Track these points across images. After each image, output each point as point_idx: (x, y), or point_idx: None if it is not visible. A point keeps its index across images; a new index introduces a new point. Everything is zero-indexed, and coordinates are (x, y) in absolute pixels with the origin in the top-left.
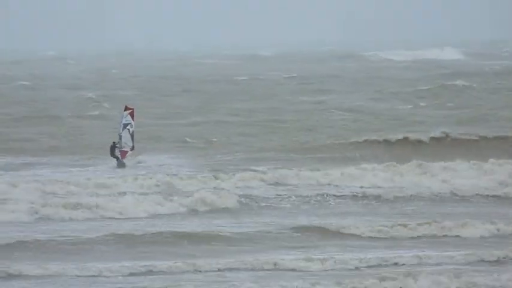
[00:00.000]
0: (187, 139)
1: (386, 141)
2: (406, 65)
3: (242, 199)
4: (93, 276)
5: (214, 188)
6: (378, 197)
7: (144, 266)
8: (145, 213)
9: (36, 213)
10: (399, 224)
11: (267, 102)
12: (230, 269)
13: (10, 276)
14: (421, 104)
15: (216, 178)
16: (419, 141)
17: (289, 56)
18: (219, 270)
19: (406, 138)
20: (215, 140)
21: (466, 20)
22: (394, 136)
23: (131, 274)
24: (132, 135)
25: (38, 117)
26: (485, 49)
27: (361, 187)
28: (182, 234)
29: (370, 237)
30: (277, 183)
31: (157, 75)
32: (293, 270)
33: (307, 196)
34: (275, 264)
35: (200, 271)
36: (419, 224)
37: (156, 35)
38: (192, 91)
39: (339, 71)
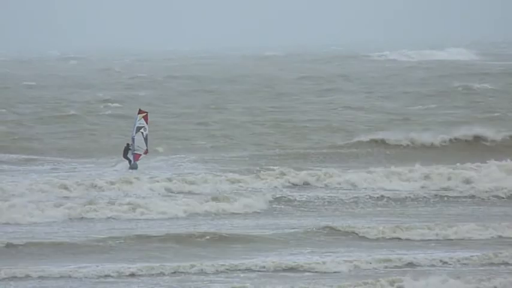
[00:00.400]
0: (201, 139)
1: (409, 143)
2: (414, 66)
3: (263, 199)
4: (130, 275)
5: (236, 188)
6: (396, 199)
7: (165, 266)
8: (166, 214)
9: (55, 213)
10: (417, 226)
11: (279, 101)
12: (247, 270)
13: (19, 278)
14: (432, 105)
15: (234, 179)
16: (435, 143)
17: (295, 56)
18: (237, 270)
19: (425, 140)
20: (230, 139)
21: (467, 20)
22: (416, 137)
23: (154, 275)
24: (145, 139)
25: (50, 117)
26: (490, 49)
27: (379, 188)
28: (200, 234)
29: (390, 239)
30: (295, 184)
31: (164, 75)
32: (312, 271)
33: (326, 197)
34: (294, 265)
35: (222, 271)
36: (437, 225)
37: (158, 36)
38: (202, 91)
39: (347, 71)
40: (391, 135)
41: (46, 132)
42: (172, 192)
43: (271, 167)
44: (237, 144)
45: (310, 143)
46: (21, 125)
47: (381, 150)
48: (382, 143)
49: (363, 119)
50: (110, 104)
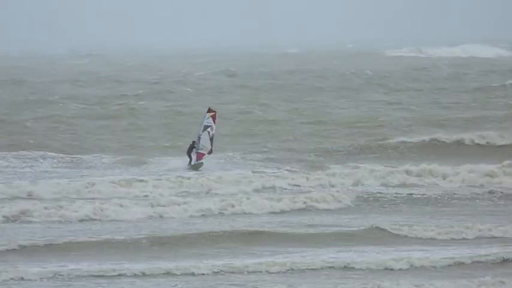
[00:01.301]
0: (246, 135)
1: (457, 142)
2: (436, 62)
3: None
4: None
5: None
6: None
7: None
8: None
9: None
10: (465, 226)
11: (315, 96)
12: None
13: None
14: (466, 101)
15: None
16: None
17: (310, 53)
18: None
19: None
20: (274, 135)
21: (467, 20)
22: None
23: (215, 273)
24: (211, 139)
25: (90, 114)
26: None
27: (426, 185)
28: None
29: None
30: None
31: (188, 72)
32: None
33: (377, 195)
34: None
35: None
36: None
37: (158, 35)
38: (235, 86)
39: (371, 68)
40: (441, 134)
41: (86, 130)
42: (247, 190)
43: (336, 166)
44: (284, 140)
45: (362, 141)
46: (61, 122)
47: (434, 147)
48: (435, 140)
49: (399, 114)
50: (147, 101)
